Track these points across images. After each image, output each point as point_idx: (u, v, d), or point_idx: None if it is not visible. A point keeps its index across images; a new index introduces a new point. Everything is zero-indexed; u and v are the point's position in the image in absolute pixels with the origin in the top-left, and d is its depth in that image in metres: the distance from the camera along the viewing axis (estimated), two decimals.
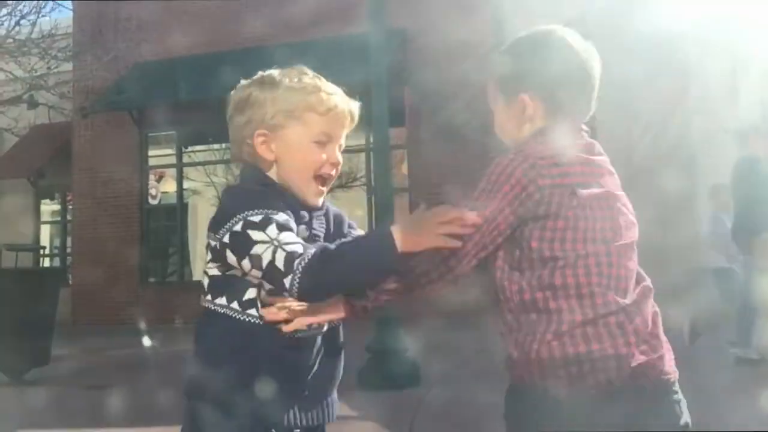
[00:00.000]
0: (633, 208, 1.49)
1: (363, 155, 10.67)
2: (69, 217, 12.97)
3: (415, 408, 4.66)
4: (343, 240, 1.56)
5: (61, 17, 10.59)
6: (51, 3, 8.78)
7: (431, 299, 1.51)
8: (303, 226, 1.55)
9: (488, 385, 5.15)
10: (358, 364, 5.32)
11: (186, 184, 11.70)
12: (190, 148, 11.84)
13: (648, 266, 1.49)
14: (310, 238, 1.53)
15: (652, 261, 1.74)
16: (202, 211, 12.18)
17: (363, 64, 6.32)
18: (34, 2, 8.51)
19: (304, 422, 1.52)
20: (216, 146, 12.05)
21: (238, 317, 1.50)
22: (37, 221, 13.50)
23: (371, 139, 7.37)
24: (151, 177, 11.82)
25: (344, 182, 11.43)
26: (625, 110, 8.69)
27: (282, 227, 1.44)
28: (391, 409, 4.86)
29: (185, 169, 11.66)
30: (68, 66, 10.57)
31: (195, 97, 10.51)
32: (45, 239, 13.83)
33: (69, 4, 11.20)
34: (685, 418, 1.42)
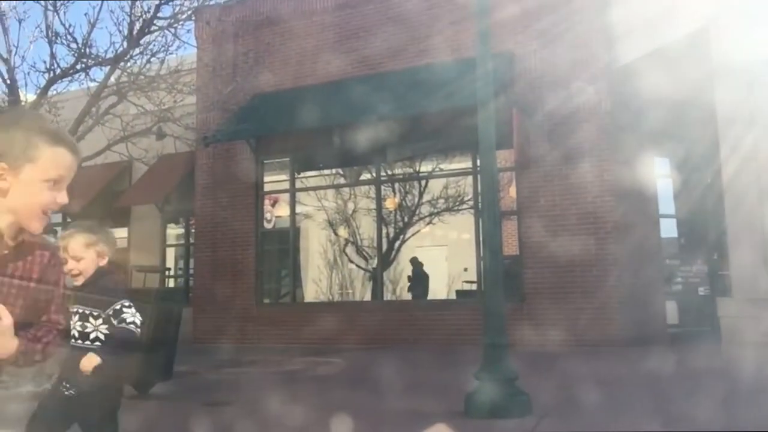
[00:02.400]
0: None
1: (470, 178, 10.63)
2: (191, 240, 13.66)
3: None
4: None
5: (186, 54, 11.29)
6: (177, 41, 9.35)
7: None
8: None
9: (600, 417, 4.96)
10: (467, 391, 5.26)
11: (298, 209, 12.07)
12: (302, 174, 12.23)
13: None
14: None
15: None
16: (314, 235, 12.52)
17: (470, 88, 6.33)
18: (163, 41, 9.09)
19: None
20: (327, 172, 12.40)
21: None
22: (163, 244, 14.28)
23: (478, 162, 7.34)
24: (266, 202, 12.28)
25: (452, 206, 11.42)
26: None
27: None
28: None
29: (298, 194, 12.04)
30: (192, 99, 11.24)
31: (307, 126, 10.89)
32: (170, 261, 14.61)
33: (193, 42, 11.95)
34: None
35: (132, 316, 2.91)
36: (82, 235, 2.99)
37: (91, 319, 2.93)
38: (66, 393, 2.89)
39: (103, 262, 3.01)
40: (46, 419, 2.88)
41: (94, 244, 2.99)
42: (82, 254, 2.96)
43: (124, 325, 2.89)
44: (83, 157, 8.99)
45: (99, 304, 2.91)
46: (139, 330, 2.91)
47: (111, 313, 2.92)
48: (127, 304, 2.93)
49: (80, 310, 2.94)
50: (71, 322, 2.90)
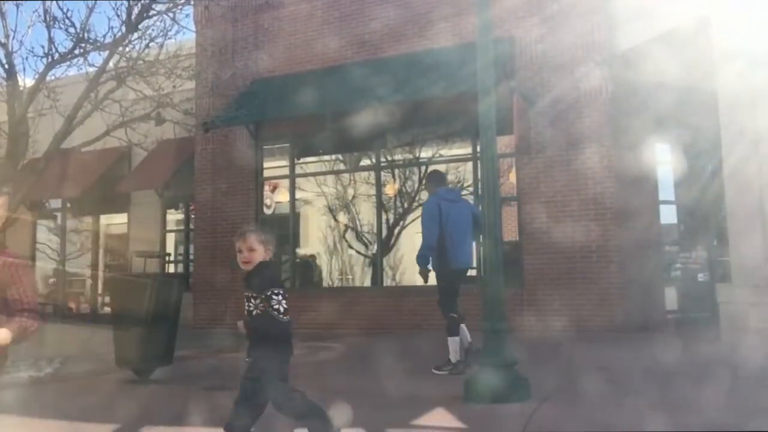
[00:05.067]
0: None
1: (470, 164, 10.61)
2: (191, 226, 13.67)
3: (523, 423, 4.56)
4: None
5: (185, 39, 11.22)
6: (176, 26, 9.29)
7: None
8: None
9: (601, 402, 4.98)
10: (466, 376, 5.28)
11: (298, 195, 12.06)
12: (302, 160, 12.20)
13: None
14: None
15: None
16: (313, 221, 12.52)
17: (471, 73, 6.30)
18: (161, 26, 9.04)
19: None
20: (326, 157, 12.37)
21: None
22: (163, 230, 14.28)
23: (478, 148, 7.32)
24: (266, 187, 12.27)
25: None
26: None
27: None
28: (498, 423, 4.78)
29: (297, 180, 12.02)
30: (191, 84, 11.19)
31: (307, 111, 10.84)
32: (170, 246, 14.62)
33: (192, 27, 11.88)
34: None
35: (278, 303, 3.61)
36: (258, 232, 3.75)
37: (253, 300, 3.66)
38: (246, 360, 3.67)
39: (268, 257, 3.75)
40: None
41: (266, 242, 3.73)
42: (256, 247, 3.68)
43: (270, 309, 3.60)
44: (83, 142, 9.02)
45: (259, 289, 3.63)
46: (282, 315, 3.60)
47: (264, 297, 3.61)
48: (276, 291, 3.63)
49: (247, 294, 3.68)
50: (246, 304, 3.68)
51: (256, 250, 3.69)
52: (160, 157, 13.39)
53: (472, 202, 9.11)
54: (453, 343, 6.51)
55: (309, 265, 12.39)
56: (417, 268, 6.86)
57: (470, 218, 6.90)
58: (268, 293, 3.61)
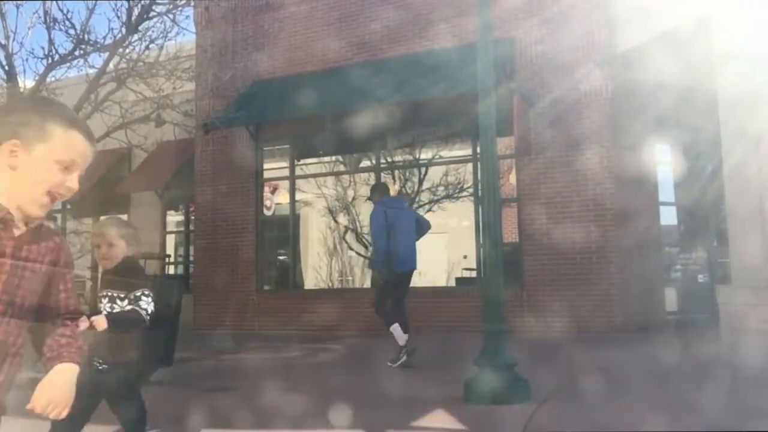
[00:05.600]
0: None
1: (470, 165, 10.61)
2: (191, 227, 13.67)
3: (523, 424, 4.55)
4: None
5: (185, 40, 11.23)
6: (176, 28, 9.30)
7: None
8: None
9: (600, 403, 4.97)
10: (466, 377, 5.28)
11: (298, 196, 12.05)
12: (302, 161, 12.20)
13: None
14: None
15: None
16: (313, 222, 12.52)
17: (471, 74, 6.30)
18: (162, 27, 9.04)
19: None
20: (326, 159, 12.37)
21: None
22: (163, 231, 14.28)
23: (478, 149, 7.32)
24: (266, 189, 12.27)
25: (452, 193, 11.40)
26: None
27: None
28: (498, 424, 4.77)
29: (297, 181, 12.02)
30: (191, 86, 11.19)
31: (307, 112, 10.85)
32: (170, 248, 14.62)
33: (192, 28, 11.89)
34: None
35: (147, 304, 3.25)
36: (117, 226, 3.42)
37: (118, 301, 3.30)
38: (99, 368, 3.26)
39: (131, 252, 3.42)
40: (81, 395, 3.08)
41: (126, 236, 3.40)
42: (115, 242, 3.37)
43: (136, 307, 3.23)
44: None
45: (125, 289, 3.28)
46: (147, 316, 3.24)
47: (132, 297, 3.26)
48: (146, 292, 3.28)
49: (109, 293, 3.34)
50: (101, 304, 3.32)
51: (115, 245, 3.38)
52: (160, 158, 13.39)
53: (470, 204, 9.09)
54: (395, 329, 6.91)
55: (308, 266, 12.39)
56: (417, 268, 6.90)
57: (413, 224, 7.44)
58: (138, 293, 3.27)
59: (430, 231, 7.72)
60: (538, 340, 8.32)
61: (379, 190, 7.85)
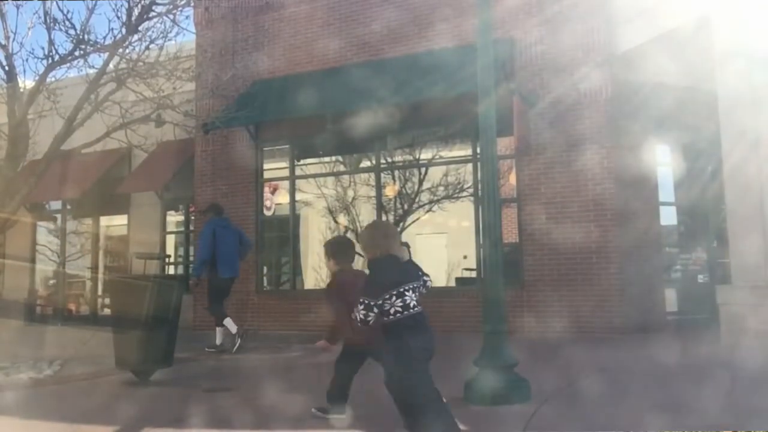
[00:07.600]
0: None
1: (470, 165, 10.60)
2: (191, 228, 13.65)
3: (523, 424, 4.55)
4: None
5: (185, 40, 11.21)
6: (176, 28, 9.29)
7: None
8: None
9: (601, 404, 4.97)
10: (466, 378, 5.27)
11: (298, 196, 12.05)
12: (302, 161, 12.20)
13: None
14: None
15: None
16: (313, 222, 12.51)
17: (471, 74, 6.30)
18: (162, 27, 9.03)
19: None
20: (326, 159, 12.37)
21: None
22: (163, 231, 14.26)
23: (478, 149, 7.32)
24: (266, 189, 12.26)
25: (451, 193, 11.40)
26: None
27: None
28: (498, 424, 4.77)
29: (297, 182, 12.02)
30: (191, 86, 11.18)
31: (307, 112, 10.84)
32: (170, 248, 14.60)
33: (192, 28, 11.88)
34: None
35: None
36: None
37: None
38: None
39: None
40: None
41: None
42: None
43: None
44: (83, 143, 8.97)
45: None
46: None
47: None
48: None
49: None
50: None
51: None
52: (160, 158, 13.38)
53: (471, 204, 9.07)
54: (219, 332, 9.06)
55: (308, 266, 12.38)
56: None
57: (237, 239, 9.48)
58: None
59: (430, 231, 8.09)
60: (538, 340, 8.32)
61: (212, 210, 9.68)
